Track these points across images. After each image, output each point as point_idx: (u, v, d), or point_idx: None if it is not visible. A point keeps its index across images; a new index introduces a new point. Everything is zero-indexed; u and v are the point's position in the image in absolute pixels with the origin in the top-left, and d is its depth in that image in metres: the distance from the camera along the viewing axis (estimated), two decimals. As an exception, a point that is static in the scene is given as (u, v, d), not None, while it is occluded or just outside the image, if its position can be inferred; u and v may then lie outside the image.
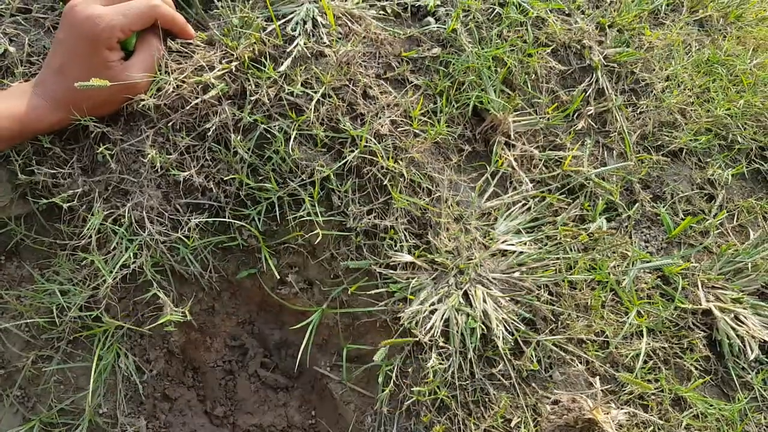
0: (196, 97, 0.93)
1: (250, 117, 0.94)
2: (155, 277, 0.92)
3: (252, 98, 0.95)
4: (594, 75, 1.20)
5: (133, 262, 0.90)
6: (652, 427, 0.96)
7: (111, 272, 0.89)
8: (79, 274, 0.93)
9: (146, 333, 0.96)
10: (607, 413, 0.92)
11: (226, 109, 0.94)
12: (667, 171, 1.20)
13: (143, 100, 0.91)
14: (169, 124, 0.94)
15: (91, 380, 0.91)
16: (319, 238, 0.93)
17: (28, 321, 0.94)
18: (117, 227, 0.91)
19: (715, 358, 1.07)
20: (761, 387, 1.07)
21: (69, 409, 0.94)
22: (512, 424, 0.92)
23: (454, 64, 1.07)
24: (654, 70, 1.25)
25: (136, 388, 0.96)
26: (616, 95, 1.20)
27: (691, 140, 1.22)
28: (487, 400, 0.93)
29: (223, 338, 1.04)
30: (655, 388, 0.98)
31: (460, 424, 0.91)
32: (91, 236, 0.90)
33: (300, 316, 1.00)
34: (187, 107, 0.93)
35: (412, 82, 1.05)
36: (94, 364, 0.92)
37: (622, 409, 0.95)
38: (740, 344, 1.06)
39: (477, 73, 1.07)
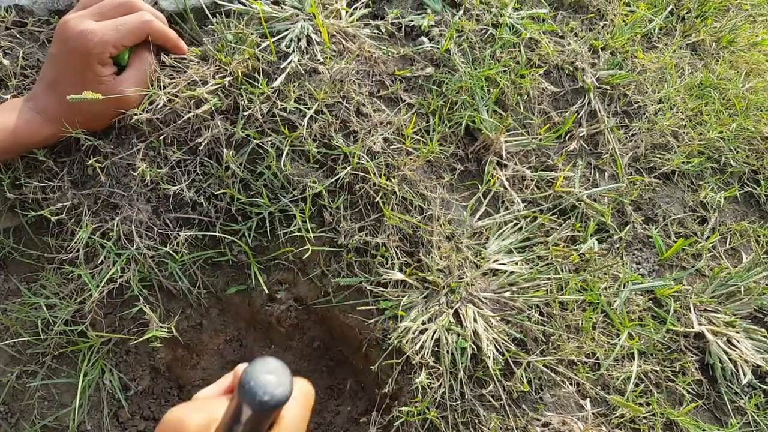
0: (189, 112, 0.93)
1: (242, 132, 0.94)
2: (142, 293, 0.91)
3: (245, 113, 0.95)
4: (586, 97, 1.20)
5: (120, 277, 0.90)
6: (643, 451, 0.95)
7: (97, 286, 0.88)
8: (65, 288, 0.92)
9: (132, 349, 0.95)
10: (598, 436, 0.91)
11: (218, 124, 0.94)
12: (659, 193, 1.20)
13: (136, 114, 0.91)
14: (161, 137, 0.94)
15: (77, 397, 0.90)
16: (308, 254, 0.92)
17: (14, 335, 0.93)
18: (105, 241, 0.90)
19: (708, 382, 1.06)
20: (754, 412, 1.05)
21: (52, 425, 0.92)
22: (502, 447, 0.91)
23: (447, 84, 1.08)
24: (647, 92, 1.26)
25: (120, 405, 0.94)
26: (608, 117, 1.21)
27: (683, 163, 1.22)
28: (476, 421, 0.92)
29: (211, 356, 1.02)
30: (646, 412, 0.97)
31: (448, 446, 0.89)
32: (78, 250, 0.90)
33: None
34: (179, 121, 0.93)
35: (405, 101, 1.06)
36: (80, 381, 0.91)
37: (613, 432, 0.94)
38: (733, 368, 1.05)
39: (470, 93, 1.08)
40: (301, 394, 0.58)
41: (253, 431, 0.53)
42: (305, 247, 0.92)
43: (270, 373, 0.50)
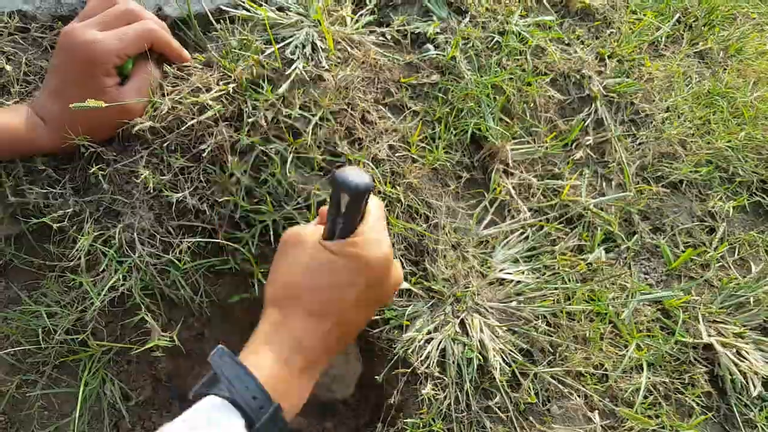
0: (192, 118, 0.92)
1: (246, 139, 0.93)
2: (144, 301, 0.90)
3: (249, 120, 0.94)
4: (593, 105, 1.19)
5: (122, 285, 0.88)
6: (652, 465, 0.93)
7: (99, 294, 0.87)
8: (67, 296, 0.91)
9: (133, 359, 0.94)
10: (607, 449, 0.89)
11: (222, 131, 0.93)
12: (667, 202, 1.19)
13: (139, 123, 0.90)
14: (164, 144, 0.93)
15: (77, 407, 0.89)
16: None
17: (14, 344, 0.92)
18: (107, 249, 0.89)
19: (717, 394, 1.05)
20: (764, 425, 1.04)
21: (51, 436, 0.91)
22: (508, 460, 0.89)
23: (452, 91, 1.07)
24: (654, 101, 1.25)
25: (121, 416, 0.93)
26: (615, 125, 1.20)
27: (691, 172, 1.21)
28: (482, 433, 0.90)
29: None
30: (655, 424, 0.96)
31: (454, 459, 0.88)
32: (80, 257, 0.88)
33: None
34: (183, 128, 0.92)
35: (410, 108, 1.05)
36: (81, 391, 0.89)
37: (621, 445, 0.92)
38: (743, 380, 1.04)
39: (476, 101, 1.07)
40: (378, 201, 0.76)
41: (352, 217, 0.69)
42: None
43: (354, 171, 0.67)
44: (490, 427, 0.90)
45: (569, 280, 1.02)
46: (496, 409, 0.91)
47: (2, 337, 0.93)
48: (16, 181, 0.92)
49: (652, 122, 1.23)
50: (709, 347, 1.06)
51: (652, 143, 1.21)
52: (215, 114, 0.93)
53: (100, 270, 0.89)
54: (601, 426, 0.93)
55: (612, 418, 0.96)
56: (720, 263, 1.17)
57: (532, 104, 1.13)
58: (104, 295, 0.87)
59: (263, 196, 0.93)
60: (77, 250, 0.88)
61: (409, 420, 0.89)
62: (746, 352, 1.06)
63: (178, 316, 0.96)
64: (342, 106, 0.98)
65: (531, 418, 0.93)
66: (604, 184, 1.15)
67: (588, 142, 1.16)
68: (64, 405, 0.92)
